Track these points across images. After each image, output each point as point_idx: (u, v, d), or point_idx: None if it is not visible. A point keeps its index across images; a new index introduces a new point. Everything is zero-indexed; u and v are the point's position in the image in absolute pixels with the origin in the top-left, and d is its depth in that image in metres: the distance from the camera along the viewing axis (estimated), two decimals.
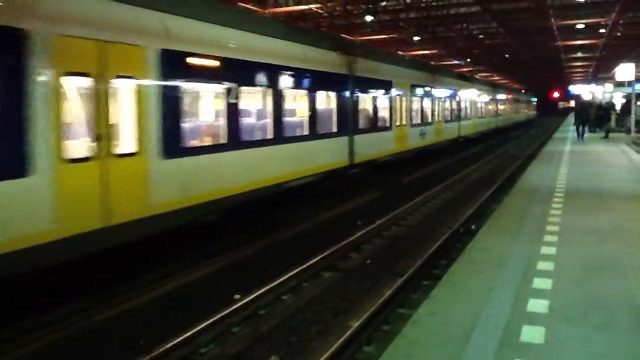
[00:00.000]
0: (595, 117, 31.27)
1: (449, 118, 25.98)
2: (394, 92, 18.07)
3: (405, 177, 18.94)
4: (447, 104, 25.84)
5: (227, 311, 6.95)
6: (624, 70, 26.95)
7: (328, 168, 13.27)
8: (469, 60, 46.33)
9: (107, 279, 7.75)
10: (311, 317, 7.22)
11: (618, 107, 32.89)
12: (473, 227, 11.43)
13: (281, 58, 11.41)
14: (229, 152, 9.49)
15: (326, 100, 13.94)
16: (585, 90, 49.20)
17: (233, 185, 9.49)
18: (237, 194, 9.54)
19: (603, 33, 33.02)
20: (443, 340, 4.51)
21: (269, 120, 11.03)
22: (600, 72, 54.80)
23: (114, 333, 6.67)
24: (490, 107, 37.99)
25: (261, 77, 10.70)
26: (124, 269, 8.04)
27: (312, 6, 24.35)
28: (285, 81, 11.51)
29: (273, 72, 11.03)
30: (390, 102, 17.90)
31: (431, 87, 22.98)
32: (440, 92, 24.57)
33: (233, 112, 9.63)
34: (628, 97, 30.04)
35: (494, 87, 42.41)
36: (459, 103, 28.18)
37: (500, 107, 42.53)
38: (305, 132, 12.46)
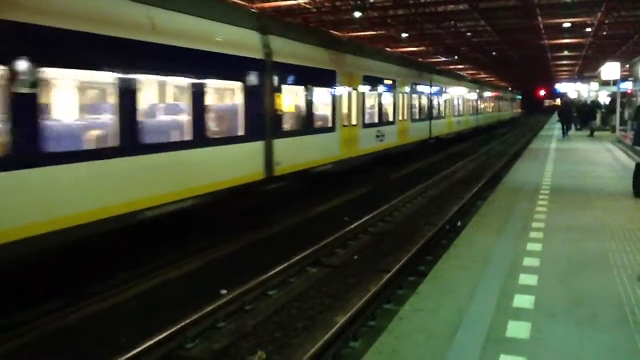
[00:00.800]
0: (581, 116, 31.55)
1: (417, 116, 22.83)
2: (338, 84, 14.76)
3: (392, 174, 18.96)
4: (416, 101, 22.69)
5: (213, 307, 6.91)
6: (609, 69, 27.17)
7: (226, 185, 9.83)
8: (456, 57, 46.49)
9: (88, 276, 7.67)
10: (297, 313, 7.21)
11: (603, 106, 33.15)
12: (459, 223, 11.47)
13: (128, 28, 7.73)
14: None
15: (222, 95, 11.11)
16: (571, 89, 49.58)
17: None
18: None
19: (589, 32, 33.27)
20: (429, 336, 4.51)
21: (113, 122, 7.75)
22: (586, 70, 55.18)
23: (93, 332, 6.57)
24: (469, 104, 35.09)
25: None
26: (106, 267, 7.96)
27: (301, 1, 24.28)
28: (140, 64, 7.97)
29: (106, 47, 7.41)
30: (333, 96, 14.54)
31: (394, 80, 19.69)
32: (406, 87, 21.49)
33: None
34: (613, 96, 30.28)
35: (474, 83, 39.27)
36: (430, 99, 25.41)
37: (481, 104, 39.70)
38: (186, 136, 9.13)
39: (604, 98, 35.29)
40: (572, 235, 7.70)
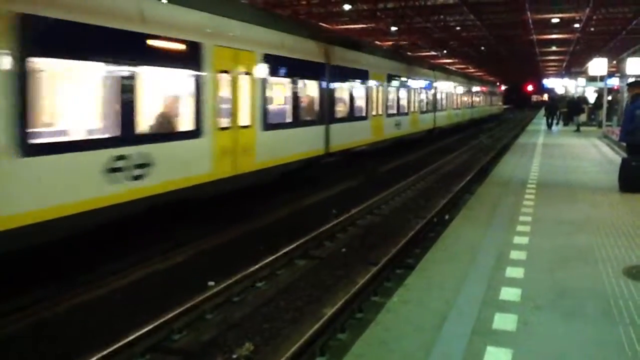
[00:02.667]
0: (567, 111, 31.77)
1: (306, 118, 13.74)
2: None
3: (381, 167, 18.99)
4: (314, 94, 14.46)
5: (200, 298, 6.90)
6: (597, 65, 27.34)
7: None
8: (445, 51, 46.59)
9: (73, 267, 7.62)
10: (285, 305, 7.21)
11: (591, 101, 33.38)
12: (447, 217, 11.52)
13: None
14: None
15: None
16: (559, 84, 49.92)
17: None
18: None
19: (577, 28, 33.48)
20: (417, 328, 4.54)
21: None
22: (573, 66, 55.60)
23: (79, 323, 6.54)
24: (422, 98, 26.00)
25: None
26: (92, 257, 7.92)
27: None
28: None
29: None
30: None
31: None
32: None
33: None
34: (600, 92, 30.51)
35: (434, 70, 29.58)
36: (350, 93, 16.84)
37: (443, 98, 30.64)
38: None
39: (591, 94, 35.52)
40: (559, 228, 7.76)
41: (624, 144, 11.96)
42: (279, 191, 12.77)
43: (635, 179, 10.41)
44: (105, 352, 5.49)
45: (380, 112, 19.30)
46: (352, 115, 16.75)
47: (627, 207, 9.35)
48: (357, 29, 32.42)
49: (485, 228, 7.84)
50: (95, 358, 5.39)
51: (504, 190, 10.85)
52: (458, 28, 36.43)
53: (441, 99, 30.07)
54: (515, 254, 6.53)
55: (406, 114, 22.66)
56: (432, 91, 27.82)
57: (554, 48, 47.87)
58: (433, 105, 27.99)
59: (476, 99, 43.88)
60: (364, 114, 17.69)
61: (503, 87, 74.79)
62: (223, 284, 7.38)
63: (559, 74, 61.38)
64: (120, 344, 5.65)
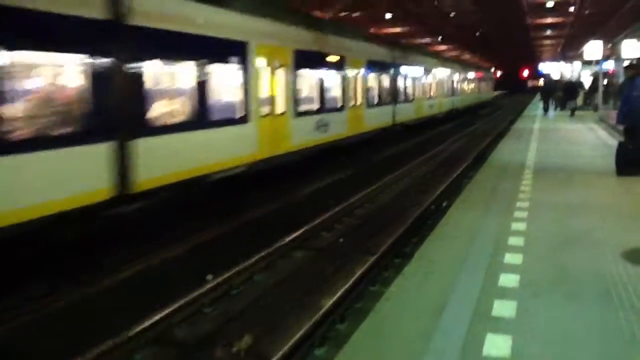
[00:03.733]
0: (562, 95, 31.70)
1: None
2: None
3: (377, 156, 18.95)
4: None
5: (199, 292, 6.88)
6: (592, 48, 27.27)
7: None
8: (440, 38, 46.46)
9: (70, 263, 7.58)
10: (284, 296, 7.19)
11: (587, 85, 33.29)
12: (444, 204, 11.50)
13: None
14: None
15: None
16: (555, 69, 49.80)
17: None
18: None
19: (572, 11, 33.36)
20: (416, 316, 4.51)
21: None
22: (568, 50, 55.48)
23: (77, 319, 6.51)
24: (371, 86, 19.26)
25: None
26: (88, 253, 7.87)
27: None
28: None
29: None
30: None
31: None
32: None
33: None
34: (595, 75, 30.43)
35: (393, 49, 22.27)
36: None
37: (407, 86, 23.79)
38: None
39: (587, 78, 35.44)
40: (556, 213, 7.74)
41: (621, 128, 11.92)
42: (273, 183, 12.70)
43: (632, 162, 10.38)
44: (105, 347, 5.47)
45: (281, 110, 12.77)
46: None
47: (624, 190, 9.33)
48: (352, 17, 32.26)
49: (483, 214, 7.81)
50: (95, 353, 5.37)
51: (502, 176, 10.82)
52: (453, 14, 36.26)
53: (404, 86, 23.19)
54: (513, 240, 6.50)
55: (337, 109, 15.96)
56: (389, 77, 21.22)
57: (549, 32, 47.76)
58: (392, 96, 21.39)
59: (458, 85, 36.27)
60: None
61: (498, 73, 74.54)
62: (220, 277, 7.35)
63: (555, 59, 61.28)
64: (120, 339, 5.63)
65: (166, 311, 6.29)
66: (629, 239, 6.49)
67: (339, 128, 15.96)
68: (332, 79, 15.84)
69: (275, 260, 8.44)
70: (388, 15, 33.09)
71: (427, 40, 47.17)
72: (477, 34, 46.05)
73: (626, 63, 13.34)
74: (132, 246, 8.46)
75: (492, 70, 68.37)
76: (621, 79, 23.82)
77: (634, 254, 5.92)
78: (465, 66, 43.47)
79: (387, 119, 20.71)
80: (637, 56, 15.92)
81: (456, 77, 35.70)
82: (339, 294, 6.72)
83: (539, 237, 6.63)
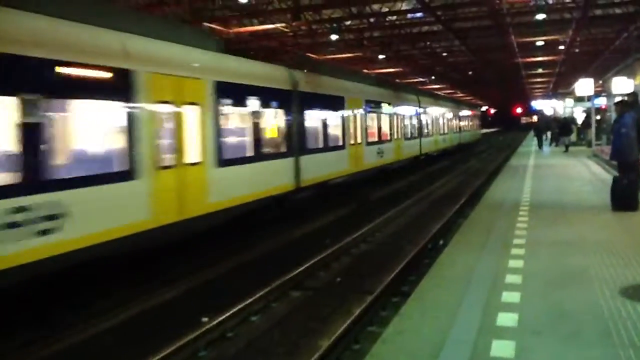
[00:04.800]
0: (558, 131, 32.09)
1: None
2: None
3: (372, 194, 18.96)
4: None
5: (194, 335, 6.77)
6: (583, 85, 27.64)
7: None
8: (432, 77, 47.07)
9: (60, 309, 7.47)
10: (280, 338, 7.09)
11: (579, 121, 33.67)
12: (441, 242, 11.46)
13: None
14: None
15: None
16: (547, 105, 50.37)
17: None
18: None
19: (562, 49, 33.94)
20: (413, 358, 4.44)
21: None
22: (560, 87, 56.23)
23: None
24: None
25: None
26: (78, 298, 7.77)
27: (278, 25, 24.45)
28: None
29: None
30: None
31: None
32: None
33: None
34: (588, 112, 30.79)
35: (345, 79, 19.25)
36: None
37: (352, 126, 18.59)
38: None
39: (579, 114, 35.85)
40: (553, 250, 7.70)
41: (615, 163, 11.99)
42: (268, 223, 12.67)
43: (627, 197, 10.40)
44: None
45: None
46: None
47: (620, 225, 9.32)
48: (344, 58, 32.72)
49: (479, 252, 7.77)
50: None
51: (497, 214, 10.82)
52: (444, 54, 36.84)
53: (350, 127, 18.18)
54: (510, 278, 6.45)
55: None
56: (339, 118, 17.53)
57: (540, 70, 48.45)
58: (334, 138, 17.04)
59: (433, 124, 31.16)
60: None
61: (492, 111, 75.18)
62: (216, 320, 7.25)
63: (547, 95, 62.03)
64: None
65: (161, 355, 6.18)
66: (627, 274, 6.44)
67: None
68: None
69: (271, 301, 8.34)
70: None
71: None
72: (469, 72, 46.68)
73: (618, 99, 13.51)
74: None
75: (481, 108, 66.79)
76: (613, 115, 24.10)
77: (631, 291, 5.87)
78: (442, 101, 37.61)
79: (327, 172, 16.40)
80: (627, 92, 16.15)
81: (430, 114, 30.32)
82: (336, 335, 6.62)
83: (536, 274, 6.58)
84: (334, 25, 23.35)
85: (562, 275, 6.49)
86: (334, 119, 17.16)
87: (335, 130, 17.08)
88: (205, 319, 7.40)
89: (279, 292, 8.64)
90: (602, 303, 5.53)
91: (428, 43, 32.68)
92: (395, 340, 4.83)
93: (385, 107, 22.59)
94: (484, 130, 71.03)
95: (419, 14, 25.84)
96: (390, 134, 22.87)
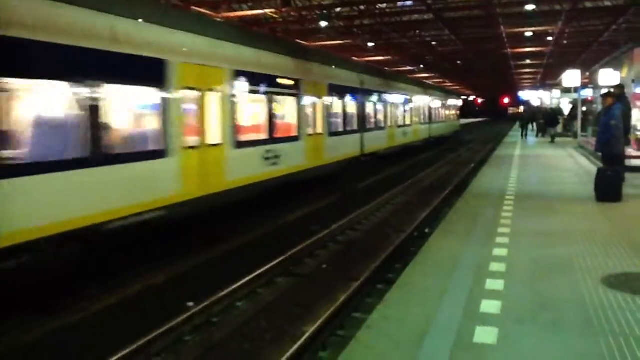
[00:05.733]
0: (543, 122, 32.32)
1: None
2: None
3: (360, 183, 19.00)
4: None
5: (179, 319, 6.78)
6: (570, 77, 27.77)
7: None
8: (422, 66, 47.05)
9: (48, 292, 7.44)
10: (266, 324, 7.12)
11: (566, 113, 33.89)
12: (427, 230, 11.53)
13: None
14: None
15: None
16: (534, 96, 50.60)
17: None
18: None
19: (550, 41, 34.05)
20: (397, 344, 4.48)
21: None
22: (548, 78, 56.47)
23: (53, 351, 6.37)
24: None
25: None
26: (65, 282, 7.73)
27: (267, 11, 24.29)
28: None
29: None
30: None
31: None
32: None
33: None
34: (574, 103, 30.97)
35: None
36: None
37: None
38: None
39: (565, 105, 36.08)
40: (537, 240, 7.78)
41: (600, 154, 12.10)
42: (256, 209, 12.66)
43: (611, 189, 10.53)
44: None
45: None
46: None
47: (603, 216, 9.42)
48: (334, 46, 32.60)
49: (464, 241, 7.83)
50: None
51: (483, 203, 10.89)
52: (434, 43, 36.81)
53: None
54: (495, 266, 6.52)
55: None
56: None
57: (528, 61, 48.59)
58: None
59: (387, 113, 23.15)
60: None
61: (479, 100, 75.38)
62: (202, 305, 7.26)
63: (534, 86, 62.30)
64: None
65: (146, 339, 6.19)
66: (609, 264, 6.54)
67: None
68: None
69: (257, 287, 8.36)
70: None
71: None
72: (458, 62, 46.72)
73: (604, 91, 13.60)
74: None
75: (462, 95, 56.84)
76: (599, 107, 24.27)
77: (613, 279, 5.96)
78: (405, 82, 28.83)
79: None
80: (613, 84, 16.26)
81: (386, 100, 23.13)
82: (321, 321, 6.66)
83: (520, 263, 6.66)
84: (324, 12, 23.22)
85: (546, 264, 6.57)
86: None
87: None
88: (191, 304, 7.41)
89: (266, 279, 8.65)
90: (584, 292, 5.61)
91: (418, 32, 32.62)
92: (380, 327, 4.87)
93: (286, 86, 13.91)
94: (469, 120, 70.58)
95: (409, 2, 25.74)
96: (298, 127, 14.38)
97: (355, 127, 18.78)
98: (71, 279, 7.71)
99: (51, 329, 6.87)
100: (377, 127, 21.70)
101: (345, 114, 18.06)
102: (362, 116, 19.51)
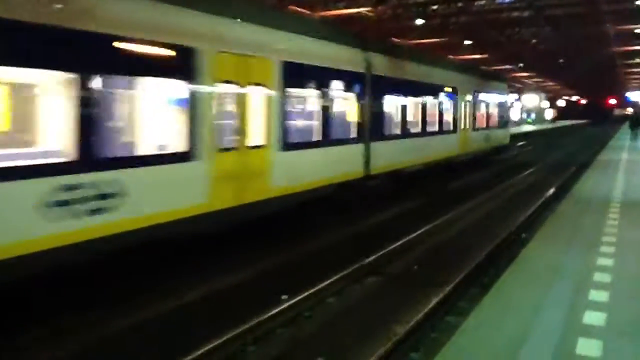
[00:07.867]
0: None
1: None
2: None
3: (450, 185, 18.62)
4: None
5: (272, 312, 6.94)
6: None
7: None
8: (520, 65, 45.50)
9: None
10: (356, 322, 7.14)
11: None
12: (524, 235, 11.14)
13: None
14: None
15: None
16: None
17: None
18: None
19: None
20: (493, 351, 4.37)
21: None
22: None
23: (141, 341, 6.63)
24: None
25: None
26: (169, 269, 8.11)
27: (362, 10, 24.35)
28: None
29: None
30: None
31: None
32: None
33: None
34: None
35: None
36: None
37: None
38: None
39: None
40: None
41: None
42: (346, 208, 12.65)
43: None
44: None
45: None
46: None
47: None
48: (429, 44, 32.16)
49: (565, 248, 7.51)
50: None
51: (586, 209, 10.38)
52: (534, 41, 35.48)
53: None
54: (599, 276, 6.21)
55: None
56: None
57: (638, 60, 45.77)
58: None
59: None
60: None
61: (583, 101, 71.68)
62: (294, 299, 7.39)
63: None
64: (195, 354, 5.76)
65: (240, 329, 6.38)
66: None
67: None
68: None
69: (348, 285, 8.40)
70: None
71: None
72: (560, 60, 44.74)
73: None
74: None
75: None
76: None
77: None
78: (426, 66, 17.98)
79: None
80: None
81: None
82: (413, 321, 6.62)
83: (627, 274, 6.30)
84: (420, 9, 22.98)
85: None
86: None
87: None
88: (285, 297, 7.55)
89: (356, 277, 8.67)
90: None
91: (517, 30, 31.57)
92: (474, 333, 4.77)
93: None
94: (570, 122, 66.71)
95: (507, 0, 24.99)
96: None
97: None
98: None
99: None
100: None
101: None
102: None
